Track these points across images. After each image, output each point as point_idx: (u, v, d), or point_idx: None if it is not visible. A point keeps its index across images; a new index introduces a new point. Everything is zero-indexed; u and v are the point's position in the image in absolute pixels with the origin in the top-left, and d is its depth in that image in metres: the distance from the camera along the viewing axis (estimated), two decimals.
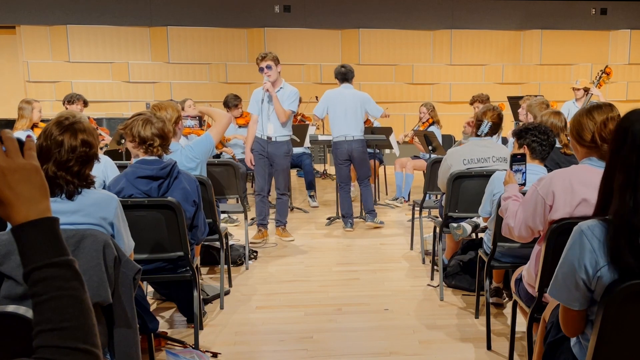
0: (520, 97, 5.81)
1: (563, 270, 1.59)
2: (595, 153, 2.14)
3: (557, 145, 3.63)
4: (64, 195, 2.09)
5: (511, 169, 2.73)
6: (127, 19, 9.16)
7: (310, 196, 6.90)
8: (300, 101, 7.16)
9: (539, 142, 2.94)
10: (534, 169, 2.94)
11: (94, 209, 2.14)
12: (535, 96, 5.24)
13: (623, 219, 1.47)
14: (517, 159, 2.74)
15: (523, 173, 2.73)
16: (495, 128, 3.78)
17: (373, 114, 5.72)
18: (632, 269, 1.46)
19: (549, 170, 3.23)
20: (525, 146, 2.99)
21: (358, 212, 5.96)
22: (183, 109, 5.27)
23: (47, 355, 0.86)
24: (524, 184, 2.71)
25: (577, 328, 1.66)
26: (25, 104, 5.23)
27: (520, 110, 5.28)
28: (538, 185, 2.27)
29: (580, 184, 2.13)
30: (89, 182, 2.16)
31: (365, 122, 5.97)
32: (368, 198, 5.64)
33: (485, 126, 3.74)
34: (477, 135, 3.82)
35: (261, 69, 4.82)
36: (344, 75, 5.53)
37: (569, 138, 2.30)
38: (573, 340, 1.74)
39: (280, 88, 4.91)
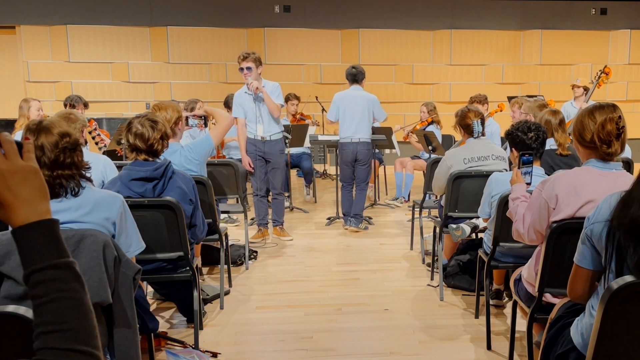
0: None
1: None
2: (595, 154, 2.14)
3: (554, 146, 3.62)
4: (69, 195, 2.09)
5: (519, 168, 2.73)
6: (127, 19, 9.16)
7: (306, 187, 7.18)
8: (296, 100, 7.32)
9: (524, 141, 2.92)
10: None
11: (97, 208, 2.14)
12: (532, 97, 5.23)
13: (628, 197, 1.60)
14: (525, 159, 2.73)
15: (530, 173, 2.73)
16: (483, 121, 3.87)
17: (377, 117, 5.72)
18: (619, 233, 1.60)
19: (545, 173, 3.22)
20: (514, 149, 2.98)
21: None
22: (192, 109, 5.27)
23: (48, 357, 0.86)
24: (529, 184, 2.71)
25: (580, 291, 1.81)
26: (23, 102, 5.26)
27: (514, 114, 5.28)
28: (542, 188, 2.27)
29: (583, 186, 2.13)
30: (87, 169, 2.16)
31: None
32: (360, 202, 5.61)
33: (478, 126, 3.77)
34: (474, 137, 3.84)
35: (241, 69, 4.79)
36: (354, 77, 5.53)
37: (571, 138, 2.30)
38: (573, 326, 1.77)
39: (263, 87, 4.89)
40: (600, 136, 2.09)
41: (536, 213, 2.28)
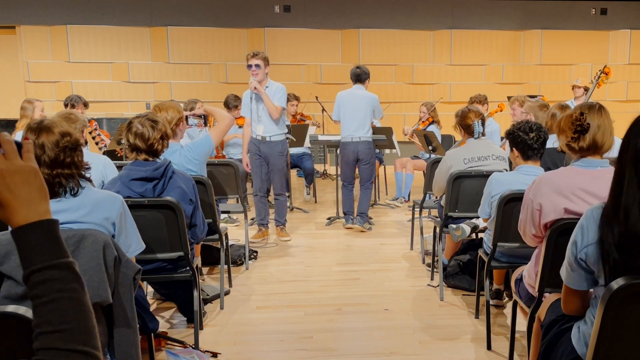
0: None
1: (567, 250, 1.71)
2: (574, 153, 2.22)
3: (556, 144, 3.62)
4: (69, 194, 2.09)
5: None
6: (127, 19, 9.16)
7: (306, 187, 7.15)
8: (296, 100, 7.31)
9: (526, 141, 2.92)
10: (529, 170, 2.93)
11: (97, 209, 2.14)
12: (533, 97, 5.23)
13: (610, 212, 1.56)
14: None
15: None
16: (484, 121, 3.87)
17: (376, 115, 5.73)
18: (612, 254, 1.54)
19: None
20: (514, 148, 2.98)
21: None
22: (192, 109, 5.28)
23: (47, 357, 0.86)
24: None
25: (575, 307, 1.76)
26: (27, 103, 5.25)
27: (514, 112, 5.28)
28: (530, 189, 2.31)
29: (566, 185, 2.17)
30: (87, 169, 2.17)
31: None
32: (364, 201, 5.62)
33: (478, 126, 3.77)
34: (474, 137, 3.84)
35: (249, 66, 4.80)
36: (358, 77, 5.53)
37: None
38: (574, 334, 1.75)
39: (266, 87, 4.89)
40: (565, 133, 2.17)
41: (527, 214, 2.32)
